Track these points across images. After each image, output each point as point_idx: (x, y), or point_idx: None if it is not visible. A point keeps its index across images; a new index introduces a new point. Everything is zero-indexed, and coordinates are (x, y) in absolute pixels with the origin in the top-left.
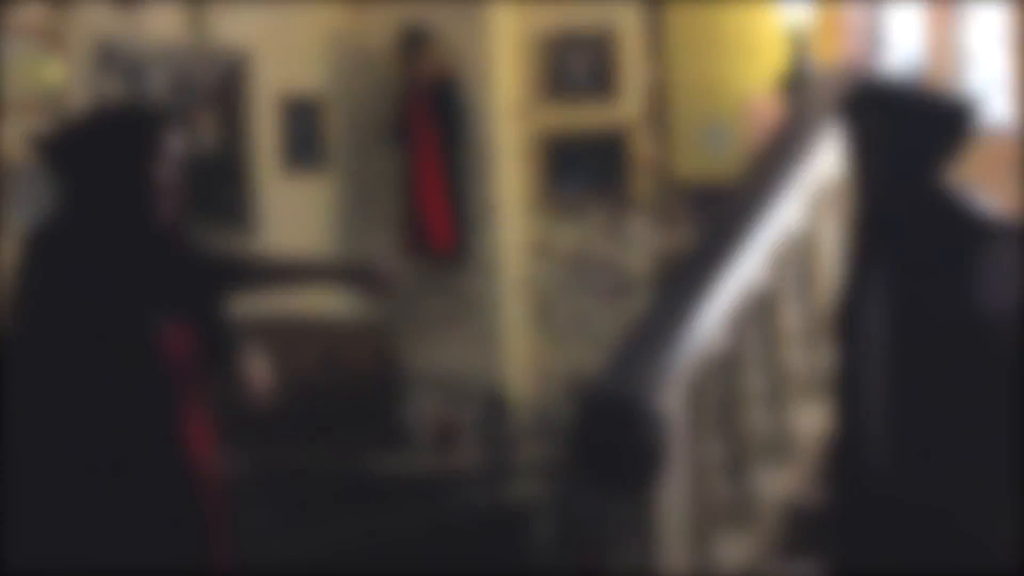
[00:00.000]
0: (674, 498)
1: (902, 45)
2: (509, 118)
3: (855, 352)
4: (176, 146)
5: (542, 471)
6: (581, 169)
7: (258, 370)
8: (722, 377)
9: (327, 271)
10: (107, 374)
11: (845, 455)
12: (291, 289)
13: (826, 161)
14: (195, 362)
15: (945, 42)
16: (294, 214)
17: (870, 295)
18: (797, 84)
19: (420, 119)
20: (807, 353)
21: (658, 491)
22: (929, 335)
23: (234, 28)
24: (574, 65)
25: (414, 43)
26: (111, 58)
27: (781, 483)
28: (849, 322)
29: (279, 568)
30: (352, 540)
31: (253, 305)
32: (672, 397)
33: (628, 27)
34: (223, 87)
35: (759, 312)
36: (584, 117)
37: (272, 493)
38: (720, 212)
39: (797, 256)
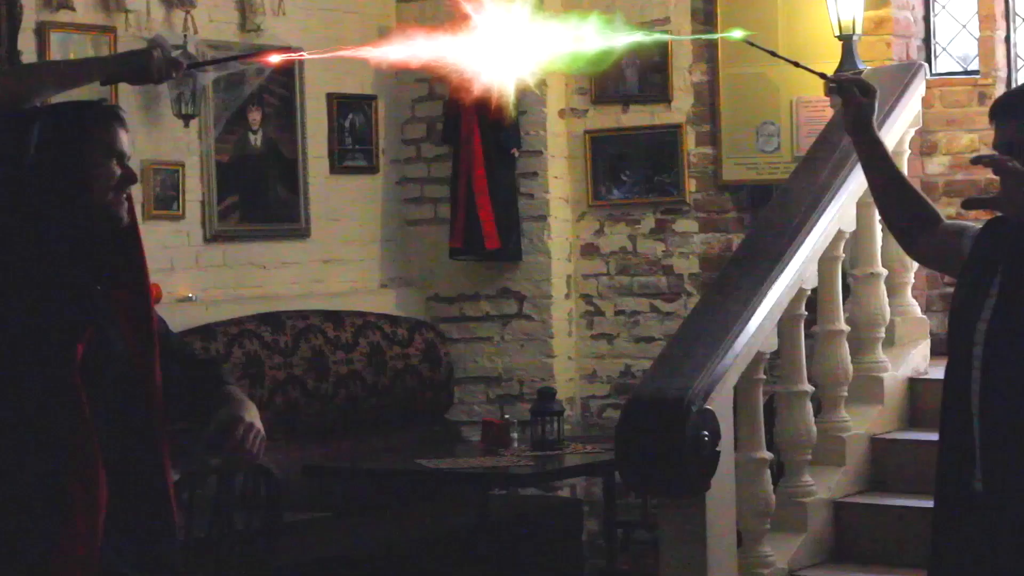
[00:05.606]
0: (722, 499)
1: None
2: (559, 118)
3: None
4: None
5: (590, 471)
6: (631, 170)
7: (249, 426)
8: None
9: (106, 61)
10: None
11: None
12: (78, 85)
13: None
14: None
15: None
16: (344, 212)
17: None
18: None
19: (470, 118)
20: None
21: (706, 492)
22: None
23: (285, 27)
24: (624, 67)
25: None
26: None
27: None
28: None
29: (329, 564)
30: (402, 537)
31: (297, 302)
32: (721, 398)
33: (679, 27)
34: (274, 86)
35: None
36: (634, 118)
37: (322, 490)
38: (769, 213)
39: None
